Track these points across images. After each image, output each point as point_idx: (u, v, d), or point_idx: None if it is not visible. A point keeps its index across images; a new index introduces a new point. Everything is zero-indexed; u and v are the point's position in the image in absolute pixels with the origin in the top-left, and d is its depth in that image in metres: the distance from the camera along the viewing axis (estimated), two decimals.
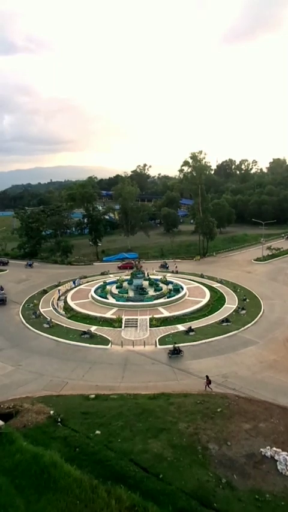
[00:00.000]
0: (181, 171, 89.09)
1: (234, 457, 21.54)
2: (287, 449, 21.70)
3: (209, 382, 29.90)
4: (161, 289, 55.92)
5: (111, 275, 68.21)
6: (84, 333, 41.45)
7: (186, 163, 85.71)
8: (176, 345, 37.08)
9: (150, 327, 43.15)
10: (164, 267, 73.46)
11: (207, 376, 30.26)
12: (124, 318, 45.22)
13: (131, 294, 54.65)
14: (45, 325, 44.20)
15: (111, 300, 52.63)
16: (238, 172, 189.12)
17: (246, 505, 18.41)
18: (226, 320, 44.29)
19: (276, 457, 21.21)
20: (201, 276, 65.27)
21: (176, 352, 36.33)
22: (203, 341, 39.32)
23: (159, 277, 63.18)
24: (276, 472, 20.52)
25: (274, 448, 21.79)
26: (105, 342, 40.04)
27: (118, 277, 63.29)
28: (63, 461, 20.12)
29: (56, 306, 52.03)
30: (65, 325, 44.85)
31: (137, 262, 61.24)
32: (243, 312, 47.15)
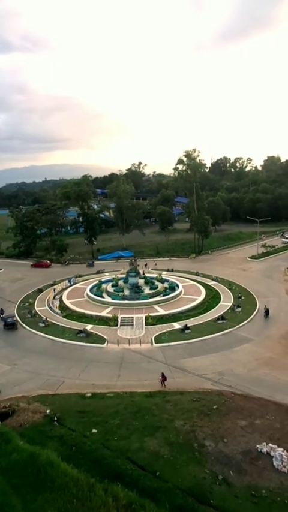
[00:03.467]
0: (176, 169, 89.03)
1: (231, 454, 21.65)
2: (282, 445, 21.85)
3: (164, 378, 30.19)
4: (157, 288, 55.93)
5: (106, 274, 68.12)
6: (80, 331, 41.40)
7: (180, 161, 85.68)
8: (266, 307, 45.39)
9: (146, 325, 43.14)
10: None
11: (162, 373, 30.51)
12: (120, 316, 45.21)
13: (126, 292, 54.64)
14: (41, 324, 44.08)
15: (107, 299, 52.58)
16: (233, 170, 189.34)
17: (243, 501, 18.53)
18: (221, 318, 44.43)
19: (272, 453, 21.35)
20: (197, 274, 65.37)
21: (267, 313, 44.98)
22: (199, 339, 39.44)
23: (154, 275, 63.22)
24: (272, 468, 20.66)
25: (270, 445, 21.93)
26: (101, 340, 40.00)
27: (114, 276, 63.22)
28: (60, 460, 20.10)
29: (51, 305, 51.85)
30: (60, 324, 44.74)
31: (133, 261, 61.18)
32: (239, 309, 47.32)
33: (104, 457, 21.27)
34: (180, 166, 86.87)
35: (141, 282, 58.15)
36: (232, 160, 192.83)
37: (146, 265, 71.59)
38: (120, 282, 58.81)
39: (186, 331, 40.95)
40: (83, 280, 63.74)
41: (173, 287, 56.31)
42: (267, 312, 45.31)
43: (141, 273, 61.30)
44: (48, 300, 53.33)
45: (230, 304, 49.45)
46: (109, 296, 53.79)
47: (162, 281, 59.61)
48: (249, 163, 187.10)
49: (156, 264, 72.66)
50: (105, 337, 40.48)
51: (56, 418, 25.03)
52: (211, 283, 59.87)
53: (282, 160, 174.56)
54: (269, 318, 44.56)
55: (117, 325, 43.64)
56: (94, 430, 23.88)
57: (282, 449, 21.42)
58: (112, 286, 57.62)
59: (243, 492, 19.09)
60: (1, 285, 62.32)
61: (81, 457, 21.41)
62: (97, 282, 60.81)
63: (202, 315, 46.14)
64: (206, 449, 22.05)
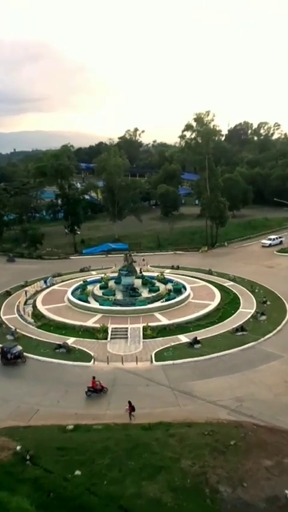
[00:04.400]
0: (183, 137, 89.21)
1: (252, 502, 21.85)
2: None
3: (131, 409, 30.28)
4: (158, 290, 56.17)
5: (93, 272, 68.29)
6: (59, 346, 41.55)
7: (189, 127, 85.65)
8: None
9: (143, 339, 43.43)
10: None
11: (129, 402, 30.51)
12: (110, 326, 45.42)
13: (119, 296, 54.82)
14: (9, 337, 44.19)
15: (94, 304, 52.83)
16: (256, 138, 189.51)
17: None
18: (241, 328, 44.65)
19: None
20: (209, 273, 65.67)
21: None
22: (212, 355, 39.67)
23: (155, 274, 63.36)
24: None
25: None
26: (86, 357, 40.23)
27: (102, 275, 63.36)
28: (34, 509, 20.28)
29: (22, 312, 52.00)
30: (34, 336, 44.90)
31: (128, 256, 61.17)
32: (263, 317, 47.57)
33: (90, 505, 21.45)
34: (188, 134, 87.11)
35: (137, 282, 58.33)
36: (255, 126, 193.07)
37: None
38: (111, 283, 59.02)
39: (196, 346, 41.18)
40: (63, 281, 63.90)
41: (178, 289, 56.53)
42: None
43: (138, 271, 61.43)
44: (18, 306, 53.49)
45: (252, 311, 49.70)
46: (96, 301, 54.02)
47: (165, 281, 59.86)
48: (277, 129, 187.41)
49: (144, 260, 71.45)
50: (92, 354, 40.66)
51: (28, 457, 25.14)
52: (228, 284, 60.19)
53: None
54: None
55: (107, 338, 43.87)
56: (77, 472, 24.03)
57: None
58: (100, 288, 57.82)
59: None
60: None
61: (61, 504, 21.59)
62: (81, 282, 60.90)
63: (216, 325, 46.41)
64: (220, 495, 22.24)
